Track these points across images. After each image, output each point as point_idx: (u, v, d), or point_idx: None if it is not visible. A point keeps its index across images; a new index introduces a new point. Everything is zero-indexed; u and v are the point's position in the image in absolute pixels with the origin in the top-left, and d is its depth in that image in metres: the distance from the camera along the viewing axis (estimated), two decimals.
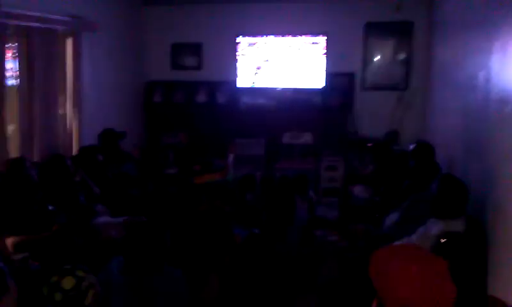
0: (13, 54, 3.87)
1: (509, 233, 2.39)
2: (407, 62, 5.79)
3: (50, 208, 3.24)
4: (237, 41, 5.87)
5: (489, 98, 2.81)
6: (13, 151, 3.84)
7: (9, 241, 2.79)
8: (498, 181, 2.59)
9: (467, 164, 3.31)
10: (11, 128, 3.86)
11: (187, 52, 6.27)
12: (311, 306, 3.15)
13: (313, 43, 5.74)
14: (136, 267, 2.28)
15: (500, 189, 2.56)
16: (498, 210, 2.56)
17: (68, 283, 1.89)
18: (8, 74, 3.78)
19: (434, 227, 2.68)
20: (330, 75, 5.77)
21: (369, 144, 5.28)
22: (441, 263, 1.19)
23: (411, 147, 3.92)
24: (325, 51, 5.70)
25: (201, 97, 6.11)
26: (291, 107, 5.82)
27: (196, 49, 6.22)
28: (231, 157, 5.52)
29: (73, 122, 4.50)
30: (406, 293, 1.15)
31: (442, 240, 2.48)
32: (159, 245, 2.33)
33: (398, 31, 5.76)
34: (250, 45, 5.88)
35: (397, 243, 2.70)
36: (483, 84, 2.99)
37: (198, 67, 6.26)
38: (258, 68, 5.92)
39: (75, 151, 4.45)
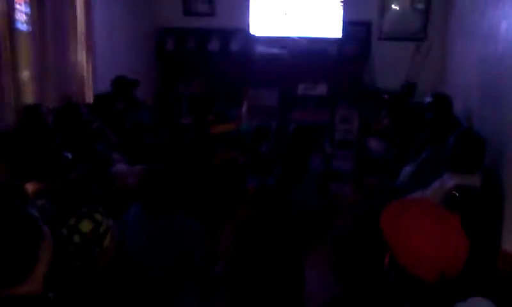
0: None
1: None
2: (425, 12, 5.60)
3: (67, 155, 3.27)
4: None
5: (510, 49, 2.73)
6: (28, 97, 3.84)
7: (29, 188, 2.84)
8: None
9: (485, 117, 3.26)
10: (25, 74, 3.85)
11: None
12: (324, 257, 3.20)
13: None
14: (152, 212, 2.32)
15: None
16: None
17: (86, 225, 1.93)
18: (19, 19, 3.73)
19: (450, 181, 2.67)
20: (346, 24, 5.62)
21: (385, 96, 5.21)
22: (453, 217, 1.19)
23: (428, 100, 3.86)
24: None
25: (214, 45, 6.01)
26: (306, 56, 5.70)
27: None
28: (244, 107, 5.49)
29: (86, 68, 4.47)
30: (417, 245, 1.16)
31: (454, 193, 2.47)
32: (174, 191, 2.36)
33: None
34: None
35: (409, 196, 2.70)
36: (504, 34, 2.89)
37: (211, 13, 6.11)
38: (273, 16, 5.77)
39: (88, 97, 4.44)
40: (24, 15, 3.77)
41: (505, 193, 2.66)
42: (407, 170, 3.32)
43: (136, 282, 2.26)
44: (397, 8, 5.71)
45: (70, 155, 3.31)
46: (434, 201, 1.32)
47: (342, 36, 5.61)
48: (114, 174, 3.32)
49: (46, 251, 1.37)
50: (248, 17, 5.78)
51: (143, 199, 2.35)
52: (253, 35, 5.83)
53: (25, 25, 3.80)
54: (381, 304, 1.32)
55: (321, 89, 5.62)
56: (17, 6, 3.64)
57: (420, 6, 5.61)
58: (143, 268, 2.28)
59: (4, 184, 2.26)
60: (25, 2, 3.76)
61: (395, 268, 1.23)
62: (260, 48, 5.83)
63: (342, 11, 5.55)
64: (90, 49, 4.46)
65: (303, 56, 5.69)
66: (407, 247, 1.19)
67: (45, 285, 1.36)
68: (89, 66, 4.48)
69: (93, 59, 4.50)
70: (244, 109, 5.45)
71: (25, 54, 3.80)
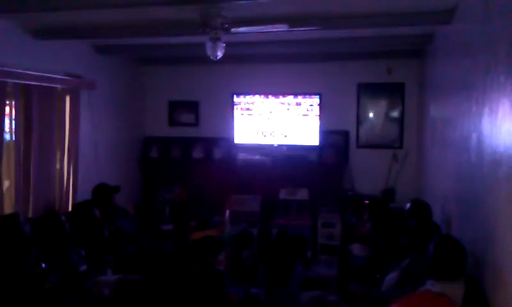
0: (11, 110, 3.90)
1: (505, 293, 2.36)
2: (400, 121, 5.90)
3: (43, 266, 3.18)
4: (233, 99, 6.00)
5: (483, 159, 2.85)
6: (8, 207, 3.81)
7: None
8: (494, 242, 2.58)
9: (463, 224, 3.30)
10: (6, 184, 3.84)
11: (184, 109, 6.39)
12: None
13: (307, 103, 5.87)
14: None
15: (496, 251, 2.54)
16: (497, 271, 2.53)
17: None
18: (4, 130, 3.81)
19: (433, 289, 2.64)
20: (325, 133, 5.87)
21: (366, 201, 5.28)
22: None
23: (408, 206, 3.93)
24: (319, 110, 5.82)
25: (198, 153, 6.17)
26: (287, 163, 5.88)
27: (192, 107, 6.35)
28: (227, 213, 5.50)
29: (69, 177, 4.50)
30: None
31: None
32: (147, 303, 2.29)
33: (390, 91, 5.92)
34: (247, 103, 6.01)
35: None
36: (475, 145, 3.04)
37: (195, 124, 6.35)
38: (255, 126, 6.01)
39: (70, 206, 4.42)
40: (11, 127, 3.85)
41: (489, 300, 2.63)
42: (390, 277, 3.28)
43: None
44: (373, 118, 6.00)
45: (44, 266, 3.22)
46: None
47: (321, 144, 5.83)
48: (90, 285, 3.21)
49: None
50: (231, 127, 6.01)
51: None
52: (236, 143, 6.03)
53: (10, 135, 3.87)
54: None
55: (303, 194, 5.70)
56: (6, 118, 3.74)
57: (395, 115, 5.92)
58: None
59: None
60: (11, 114, 3.87)
61: None
62: (242, 156, 5.99)
63: (320, 121, 5.82)
64: (74, 159, 4.52)
65: (285, 163, 5.86)
66: None
67: None
68: (72, 175, 4.51)
69: (76, 168, 4.55)
70: (226, 215, 5.45)
71: (8, 163, 3.83)
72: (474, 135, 3.10)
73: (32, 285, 2.92)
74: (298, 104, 5.90)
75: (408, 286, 2.95)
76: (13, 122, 3.87)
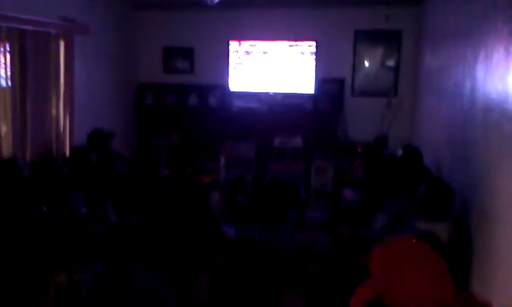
0: (5, 56, 3.87)
1: (491, 235, 2.47)
2: (396, 69, 5.90)
3: (43, 208, 3.26)
4: (228, 46, 5.94)
5: (475, 106, 2.90)
6: (6, 151, 3.85)
7: None
8: (482, 186, 2.67)
9: (454, 169, 3.40)
10: (3, 129, 3.87)
11: (179, 55, 6.33)
12: (299, 304, 3.21)
13: (303, 49, 5.83)
14: (108, 265, 2.32)
15: (483, 194, 2.64)
16: (482, 214, 2.64)
17: (60, 278, 1.93)
18: (0, 76, 3.79)
19: (419, 228, 2.75)
20: (320, 81, 5.86)
21: (359, 149, 5.37)
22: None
23: (400, 152, 4.01)
24: (315, 57, 5.79)
25: (193, 100, 6.17)
26: (282, 111, 5.90)
27: (187, 53, 6.28)
28: (222, 160, 5.57)
29: (65, 123, 4.52)
30: (413, 287, 1.19)
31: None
32: (130, 246, 2.37)
33: (387, 39, 5.88)
34: (242, 50, 5.95)
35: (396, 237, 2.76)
36: (469, 92, 3.09)
37: (190, 71, 6.31)
38: (250, 73, 5.99)
39: (67, 151, 4.46)
40: (6, 72, 3.83)
41: (473, 242, 2.75)
42: (379, 218, 3.40)
43: None
44: (369, 66, 5.99)
45: (44, 207, 3.30)
46: (422, 245, 1.36)
47: (316, 92, 5.84)
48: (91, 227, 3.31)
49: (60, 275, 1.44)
50: (227, 74, 5.98)
51: (101, 253, 2.36)
52: (231, 91, 6.02)
53: (6, 81, 3.86)
54: None
55: (297, 142, 5.77)
56: (1, 64, 3.72)
57: (391, 63, 5.91)
58: None
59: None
60: (6, 60, 3.84)
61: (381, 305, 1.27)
62: (237, 103, 6.00)
63: (315, 68, 5.80)
64: (70, 104, 4.53)
65: (279, 111, 5.89)
66: (393, 288, 1.23)
67: None
68: (67, 120, 4.53)
69: (72, 113, 4.56)
70: (222, 161, 5.53)
71: (4, 108, 3.83)
72: (468, 82, 3.15)
73: (33, 226, 3.01)
74: (294, 51, 5.86)
75: (397, 228, 3.07)
76: (8, 68, 3.85)
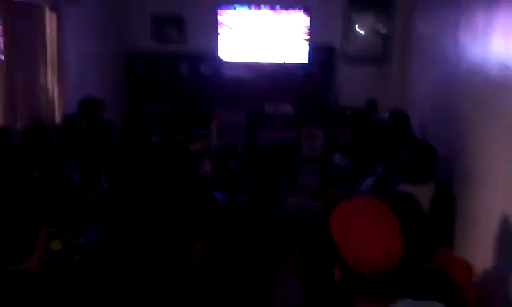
0: None
1: (473, 196, 2.56)
2: (387, 36, 5.89)
3: (36, 175, 3.31)
4: (217, 13, 5.89)
5: (458, 71, 2.95)
6: None
7: None
8: (464, 148, 2.75)
9: (438, 132, 3.47)
10: None
11: (169, 24, 6.27)
12: (291, 267, 3.31)
13: (294, 16, 5.80)
14: (107, 227, 2.39)
15: (465, 156, 2.72)
16: (464, 175, 2.73)
17: (56, 245, 2.00)
18: None
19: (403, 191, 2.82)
20: (312, 48, 5.85)
21: (348, 113, 5.42)
22: (392, 218, 1.31)
23: (387, 116, 4.07)
24: (306, 25, 5.77)
25: (184, 69, 6.16)
26: (272, 78, 5.91)
27: (178, 21, 6.22)
28: (214, 126, 5.61)
29: (55, 92, 4.52)
30: (358, 249, 1.26)
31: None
32: (128, 208, 2.42)
33: (378, 5, 5.85)
34: (233, 18, 5.91)
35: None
36: (453, 57, 3.13)
37: (181, 39, 6.26)
38: (241, 41, 5.96)
39: (58, 120, 4.49)
40: None
41: (456, 203, 2.84)
42: (367, 182, 3.48)
43: (103, 295, 2.31)
44: (361, 32, 5.98)
45: (37, 174, 3.35)
46: (379, 202, 1.43)
47: (307, 58, 5.84)
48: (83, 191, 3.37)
49: (43, 239, 1.51)
50: (217, 42, 5.95)
51: (99, 215, 2.42)
52: (222, 59, 6.01)
53: None
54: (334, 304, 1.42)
55: (287, 108, 5.82)
56: None
57: (382, 30, 5.90)
58: (104, 280, 2.31)
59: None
60: None
61: (340, 263, 1.35)
62: (228, 72, 6.00)
63: (307, 35, 5.78)
64: (60, 73, 4.52)
65: (270, 78, 5.90)
66: (345, 243, 1.30)
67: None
68: (59, 89, 4.53)
69: (62, 83, 4.56)
70: (212, 128, 5.56)
71: None
72: (453, 48, 3.19)
73: (29, 193, 3.06)
74: (285, 18, 5.83)
75: (381, 191, 3.15)
76: None
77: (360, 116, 4.72)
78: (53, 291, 1.48)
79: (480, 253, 2.37)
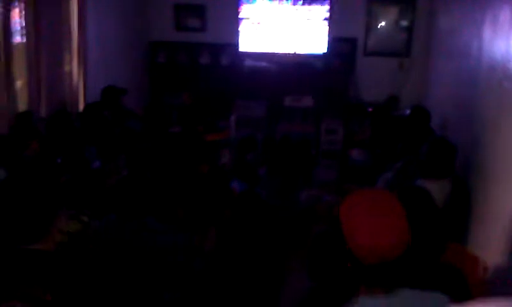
0: (20, 12, 3.94)
1: (488, 193, 2.53)
2: (409, 30, 5.82)
3: (58, 160, 3.39)
4: (240, 4, 5.90)
5: (481, 66, 2.91)
6: (22, 106, 3.97)
7: None
8: (482, 144, 2.71)
9: (458, 129, 3.43)
10: (19, 84, 3.98)
11: (190, 13, 6.31)
12: (303, 260, 3.33)
13: (316, 9, 5.77)
14: (123, 214, 2.44)
15: (483, 152, 2.69)
16: (481, 172, 2.70)
17: (74, 226, 2.06)
18: (15, 31, 3.87)
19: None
20: (333, 40, 5.82)
21: (370, 109, 5.38)
22: (399, 210, 1.31)
23: (408, 112, 4.03)
24: (328, 16, 5.73)
25: (205, 59, 6.20)
26: (293, 71, 5.89)
27: (199, 11, 6.25)
28: (233, 118, 5.64)
29: (78, 79, 4.61)
30: (361, 237, 1.27)
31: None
32: (143, 196, 2.47)
33: None
34: (254, 10, 5.91)
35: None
36: (476, 52, 3.08)
37: (202, 29, 6.30)
38: (262, 32, 5.96)
39: (81, 107, 4.58)
40: (20, 27, 3.91)
41: (472, 200, 2.81)
42: (384, 177, 3.47)
43: (115, 278, 2.36)
44: (383, 25, 5.92)
45: (59, 160, 3.44)
46: (389, 195, 1.43)
47: (328, 51, 5.80)
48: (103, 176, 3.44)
49: (62, 220, 1.57)
50: (238, 33, 5.97)
51: (116, 202, 2.48)
52: (243, 50, 6.02)
53: (20, 36, 3.94)
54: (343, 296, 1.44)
55: (307, 101, 5.80)
56: (14, 19, 3.79)
57: (405, 24, 5.83)
58: (120, 265, 2.37)
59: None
60: (21, 16, 3.91)
61: (346, 249, 1.36)
62: (248, 63, 6.01)
63: (328, 27, 5.75)
64: (83, 60, 4.61)
65: (290, 70, 5.88)
66: (349, 231, 1.32)
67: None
68: (81, 77, 4.62)
69: (85, 70, 4.64)
70: (232, 120, 5.60)
71: (19, 64, 3.93)
72: (475, 43, 3.14)
73: (49, 177, 3.14)
74: (307, 10, 5.80)
75: (399, 186, 3.13)
76: (23, 23, 3.92)
77: (381, 112, 4.69)
78: (66, 272, 1.53)
79: (493, 250, 2.34)
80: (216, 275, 2.87)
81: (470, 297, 1.62)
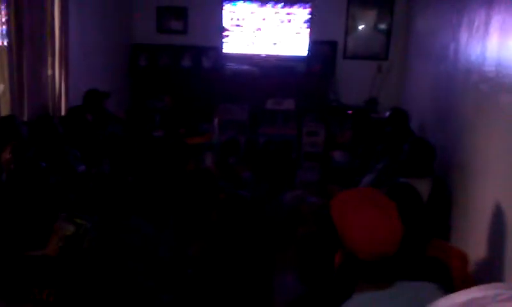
0: (2, 15, 3.91)
1: (469, 191, 2.63)
2: (387, 33, 5.96)
3: (43, 165, 3.37)
4: (222, 7, 5.94)
5: (457, 69, 3.02)
6: (4, 110, 3.93)
7: None
8: (461, 144, 2.82)
9: (436, 130, 3.54)
10: (1, 88, 3.94)
11: (172, 15, 6.32)
12: (290, 261, 3.38)
13: (297, 12, 5.86)
14: (107, 215, 2.47)
15: (462, 152, 2.79)
16: (461, 171, 2.80)
17: (69, 229, 2.08)
18: None
19: None
20: (313, 43, 5.91)
21: (350, 112, 5.49)
22: (391, 205, 1.38)
23: (387, 113, 4.14)
24: (308, 20, 5.83)
25: (187, 62, 6.22)
26: (274, 73, 5.96)
27: (181, 13, 6.28)
28: (216, 122, 5.67)
29: (60, 82, 4.58)
30: (356, 231, 1.33)
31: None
32: (125, 196, 2.52)
33: (380, 2, 5.92)
34: (236, 12, 5.97)
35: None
36: (453, 55, 3.20)
37: (184, 31, 6.32)
38: (243, 35, 6.02)
39: (63, 111, 4.55)
40: (2, 30, 3.88)
41: (453, 198, 2.92)
42: (367, 178, 3.56)
43: (108, 279, 2.38)
44: (362, 29, 6.04)
45: (44, 164, 3.42)
46: (377, 191, 1.50)
47: (309, 54, 5.90)
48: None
49: (59, 223, 1.58)
50: (220, 36, 6.01)
51: (101, 203, 2.51)
52: (225, 53, 6.07)
53: (2, 39, 3.90)
54: (336, 297, 1.50)
55: (289, 104, 5.88)
56: None
57: (383, 27, 5.97)
58: (109, 265, 2.39)
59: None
60: (2, 19, 3.88)
61: (341, 248, 1.42)
62: (231, 65, 6.06)
63: (309, 31, 5.84)
64: (65, 64, 4.58)
65: (272, 73, 5.95)
66: (346, 230, 1.37)
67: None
68: (63, 80, 4.59)
69: (68, 73, 4.62)
70: (215, 123, 5.63)
71: (1, 67, 3.90)
72: (452, 46, 3.25)
73: (34, 182, 3.13)
74: (288, 13, 5.89)
75: (381, 186, 3.23)
76: (4, 27, 3.89)
77: (361, 114, 4.79)
78: (69, 275, 1.56)
79: (475, 246, 2.44)
80: (205, 278, 2.91)
81: (453, 290, 1.71)
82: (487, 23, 2.42)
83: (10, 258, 1.51)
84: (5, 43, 3.90)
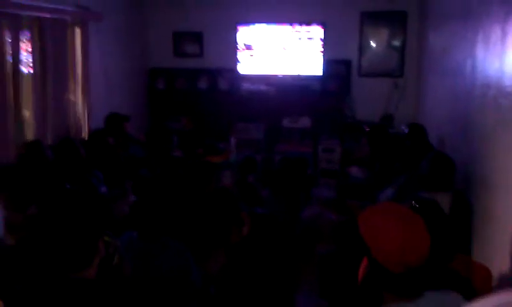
0: (27, 44, 4.06)
1: (490, 205, 2.63)
2: (401, 50, 6.00)
3: (66, 186, 3.46)
4: (237, 29, 6.06)
5: (475, 84, 3.04)
6: (29, 135, 4.05)
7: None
8: (481, 158, 2.83)
9: (455, 144, 3.55)
10: (26, 114, 4.07)
11: (188, 40, 6.46)
12: (309, 277, 3.39)
13: (311, 32, 5.95)
14: (142, 234, 2.54)
15: (482, 166, 2.80)
16: (482, 185, 2.80)
17: (101, 248, 2.12)
18: (23, 63, 3.99)
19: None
20: (328, 63, 5.98)
21: (367, 128, 5.51)
22: (418, 218, 1.41)
23: (405, 129, 4.16)
24: (322, 39, 5.91)
25: (203, 84, 6.33)
26: (290, 93, 6.03)
27: (197, 37, 6.41)
28: (233, 141, 5.74)
29: (82, 107, 4.71)
30: (384, 242, 1.36)
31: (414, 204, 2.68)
32: (158, 216, 2.58)
33: (392, 20, 5.97)
34: (251, 34, 6.07)
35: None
36: (470, 70, 3.22)
37: (200, 54, 6.45)
38: (259, 56, 6.12)
39: (85, 134, 4.67)
40: (28, 60, 4.03)
41: (474, 211, 2.92)
42: (386, 193, 3.56)
43: (135, 300, 2.42)
44: (376, 47, 6.10)
45: (68, 186, 3.50)
46: (402, 206, 1.54)
47: (324, 73, 5.96)
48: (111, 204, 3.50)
49: (101, 245, 1.61)
50: (235, 57, 6.12)
51: (134, 223, 2.57)
52: (240, 74, 6.17)
53: (28, 69, 4.06)
54: None
55: (305, 122, 5.93)
56: (22, 52, 3.91)
57: (397, 44, 6.01)
58: (138, 285, 2.44)
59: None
60: (28, 50, 4.03)
61: (370, 260, 1.45)
62: (246, 86, 6.15)
63: (323, 50, 5.92)
64: (86, 89, 4.72)
65: (288, 92, 6.03)
66: (377, 242, 1.40)
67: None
68: (85, 105, 4.73)
69: (89, 99, 4.75)
70: (232, 142, 5.70)
71: (27, 94, 4.03)
72: (469, 61, 3.28)
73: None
74: (302, 34, 5.98)
75: (402, 201, 3.23)
76: (29, 55, 4.04)
77: (377, 129, 4.81)
78: (107, 300, 1.56)
79: (498, 260, 2.43)
80: (227, 296, 2.93)
81: None
82: (503, 39, 2.46)
83: (56, 280, 1.53)
84: (30, 71, 4.04)
